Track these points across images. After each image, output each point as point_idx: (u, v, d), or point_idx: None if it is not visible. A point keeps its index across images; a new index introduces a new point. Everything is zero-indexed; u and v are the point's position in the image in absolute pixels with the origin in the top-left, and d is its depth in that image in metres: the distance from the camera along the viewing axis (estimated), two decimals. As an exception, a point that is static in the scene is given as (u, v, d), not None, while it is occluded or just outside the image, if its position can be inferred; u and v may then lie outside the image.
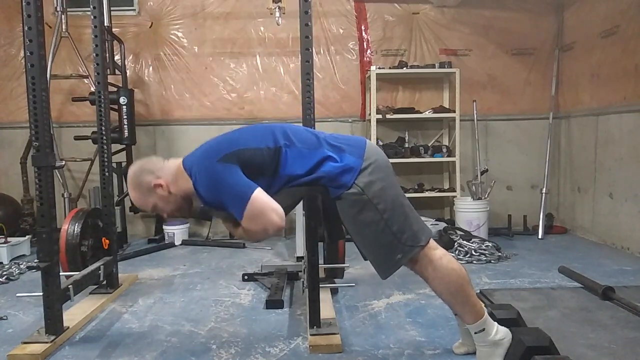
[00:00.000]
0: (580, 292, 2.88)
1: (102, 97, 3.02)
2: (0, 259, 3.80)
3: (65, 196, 4.50)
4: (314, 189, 1.91)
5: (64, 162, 4.49)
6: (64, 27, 4.39)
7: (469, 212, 4.33)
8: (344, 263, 3.00)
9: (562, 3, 4.88)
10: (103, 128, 3.02)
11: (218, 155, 1.79)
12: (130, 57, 4.85)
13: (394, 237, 1.82)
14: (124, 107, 4.37)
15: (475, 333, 1.89)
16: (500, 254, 3.80)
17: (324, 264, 2.89)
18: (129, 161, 4.61)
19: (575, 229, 4.74)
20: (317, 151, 1.86)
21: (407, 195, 1.93)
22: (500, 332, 1.89)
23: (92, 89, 4.48)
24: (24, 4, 2.13)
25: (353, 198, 1.83)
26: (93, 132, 4.19)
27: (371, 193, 1.81)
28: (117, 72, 4.45)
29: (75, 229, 2.90)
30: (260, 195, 1.72)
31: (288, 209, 1.89)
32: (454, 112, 4.69)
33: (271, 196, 1.76)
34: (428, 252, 1.86)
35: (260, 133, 1.90)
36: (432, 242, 1.89)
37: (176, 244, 4.54)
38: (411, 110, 4.81)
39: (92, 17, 2.99)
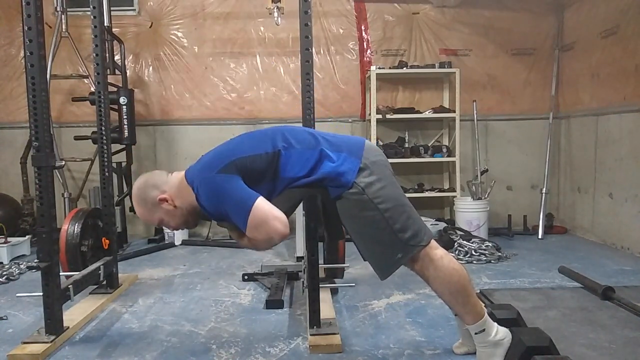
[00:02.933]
0: (580, 292, 2.88)
1: (102, 97, 3.02)
2: (0, 259, 3.80)
3: (65, 196, 4.50)
4: (313, 191, 1.91)
5: (64, 162, 4.49)
6: (64, 27, 4.39)
7: (469, 212, 4.33)
8: (344, 263, 3.00)
9: (562, 3, 4.88)
10: (103, 128, 3.02)
11: (217, 167, 1.79)
12: (130, 57, 4.85)
13: (395, 236, 1.82)
14: (124, 107, 4.36)
15: (476, 334, 1.88)
16: (500, 254, 3.80)
17: (324, 264, 2.89)
18: (129, 161, 4.61)
19: (575, 229, 4.74)
20: (315, 151, 1.86)
21: (407, 195, 1.93)
22: (500, 333, 1.88)
23: (92, 89, 4.48)
24: (23, 4, 2.13)
25: (353, 198, 1.83)
26: (93, 132, 4.19)
27: (371, 193, 1.82)
28: (117, 72, 4.45)
29: (75, 229, 2.90)
30: (261, 204, 1.72)
31: (289, 211, 1.88)
32: (454, 112, 4.69)
33: (274, 200, 1.76)
34: (429, 252, 1.85)
35: (258, 139, 1.90)
36: (433, 242, 1.89)
37: (176, 244, 4.54)
38: (411, 110, 4.81)
39: (92, 17, 2.99)
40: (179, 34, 4.90)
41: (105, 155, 3.04)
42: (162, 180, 1.93)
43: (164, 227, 2.00)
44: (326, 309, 2.50)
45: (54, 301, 2.28)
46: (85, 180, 4.65)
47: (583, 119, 4.59)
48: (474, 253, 3.76)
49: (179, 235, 4.58)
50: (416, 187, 4.90)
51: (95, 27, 2.99)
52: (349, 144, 1.92)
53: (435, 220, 4.53)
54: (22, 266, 3.62)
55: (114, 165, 4.27)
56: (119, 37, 4.57)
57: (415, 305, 2.78)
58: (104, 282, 3.01)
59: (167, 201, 1.89)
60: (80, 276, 2.62)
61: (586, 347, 2.11)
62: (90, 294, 2.94)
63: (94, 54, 2.99)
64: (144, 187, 1.92)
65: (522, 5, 4.94)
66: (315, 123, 2.31)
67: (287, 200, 1.90)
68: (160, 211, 1.91)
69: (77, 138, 4.46)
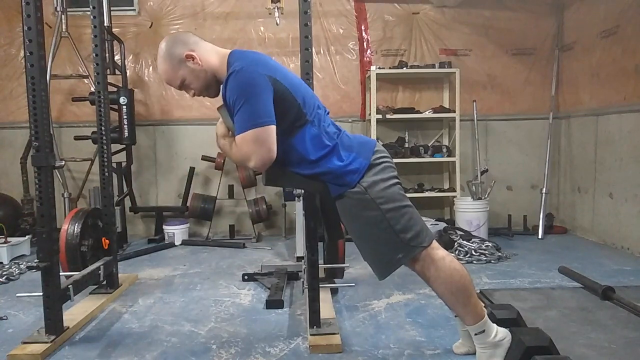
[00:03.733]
0: (580, 292, 2.88)
1: (102, 97, 3.02)
2: (0, 259, 3.80)
3: (65, 196, 4.50)
4: (313, 184, 1.91)
5: (63, 162, 4.46)
6: (64, 27, 4.39)
7: (469, 212, 4.33)
8: (344, 263, 3.00)
9: (562, 3, 4.88)
10: (103, 128, 3.02)
11: (269, 72, 1.75)
12: (130, 57, 4.85)
13: (396, 236, 1.81)
14: (124, 107, 4.37)
15: (475, 334, 1.88)
16: (500, 254, 3.80)
17: (324, 264, 2.89)
18: (129, 161, 4.61)
19: (575, 229, 4.74)
20: (331, 143, 1.86)
21: (407, 195, 1.93)
22: (500, 334, 1.88)
23: (92, 89, 4.48)
24: (23, 4, 2.13)
25: (355, 197, 1.83)
26: (93, 132, 4.20)
27: (374, 193, 1.81)
28: (117, 72, 4.45)
29: (75, 229, 2.90)
30: (271, 131, 1.70)
31: (279, 183, 1.88)
32: (454, 112, 4.69)
33: None
34: (430, 252, 1.85)
35: (308, 95, 1.89)
36: (435, 242, 1.89)
37: (176, 244, 4.54)
38: (411, 110, 4.81)
39: (92, 17, 2.99)
40: (179, 34, 4.89)
41: (105, 155, 3.04)
42: (193, 40, 1.87)
43: (185, 91, 1.92)
44: (326, 309, 2.50)
45: (54, 301, 2.28)
46: (85, 180, 4.65)
47: (583, 119, 4.59)
48: (474, 253, 3.76)
49: (179, 235, 4.58)
50: (416, 187, 4.90)
51: (95, 27, 2.99)
52: (360, 144, 1.91)
53: (435, 220, 4.52)
54: (22, 266, 3.62)
55: (114, 165, 4.27)
56: (119, 37, 4.57)
57: (415, 305, 2.78)
58: (104, 282, 3.01)
59: (193, 59, 1.83)
60: (80, 276, 2.62)
61: (586, 347, 2.12)
62: (90, 294, 2.94)
63: (94, 54, 2.99)
64: (173, 43, 1.86)
65: (522, 5, 4.94)
66: (315, 123, 2.31)
67: (287, 179, 1.91)
68: (185, 69, 1.84)
69: (77, 138, 4.46)
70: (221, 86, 1.84)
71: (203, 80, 1.86)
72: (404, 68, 4.71)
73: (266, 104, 1.71)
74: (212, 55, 1.86)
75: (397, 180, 1.90)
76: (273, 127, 1.71)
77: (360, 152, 1.87)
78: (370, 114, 4.67)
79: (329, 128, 1.90)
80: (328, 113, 1.98)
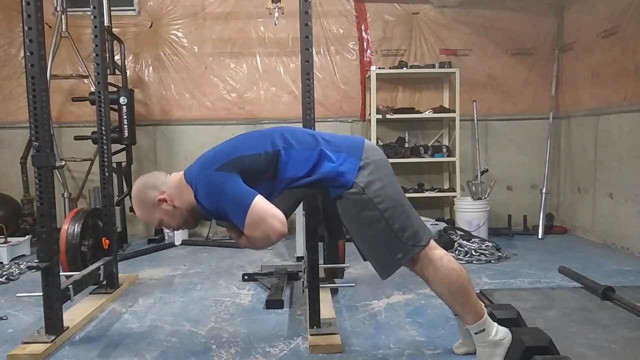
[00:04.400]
0: (580, 292, 2.88)
1: (102, 97, 3.02)
2: (0, 259, 3.80)
3: (65, 196, 4.50)
4: (313, 191, 1.91)
5: (64, 162, 4.49)
6: (64, 27, 4.39)
7: (469, 212, 4.33)
8: (344, 263, 3.00)
9: (562, 3, 4.88)
10: (103, 128, 3.02)
11: (216, 164, 1.79)
12: (130, 57, 4.85)
13: (394, 236, 1.82)
14: (124, 107, 4.37)
15: (475, 333, 1.88)
16: (500, 254, 3.80)
17: (324, 264, 2.89)
18: (129, 161, 4.61)
19: (575, 229, 4.74)
20: (315, 151, 1.86)
21: (407, 195, 1.93)
22: (500, 333, 1.88)
23: (92, 89, 4.48)
24: (24, 4, 2.13)
25: (353, 197, 1.83)
26: (93, 132, 4.19)
27: (371, 192, 1.82)
28: (117, 72, 4.45)
29: (75, 229, 2.90)
30: (260, 202, 1.71)
31: (289, 211, 1.88)
32: (454, 112, 4.69)
33: (274, 199, 1.76)
34: (428, 252, 1.85)
35: (257, 139, 1.91)
36: (433, 242, 1.89)
37: (176, 244, 4.54)
38: (411, 110, 4.81)
39: (92, 17, 2.99)
40: (179, 34, 4.90)
41: (105, 155, 3.04)
42: (161, 180, 1.93)
43: (164, 228, 1.99)
44: (326, 309, 2.50)
45: (54, 301, 2.28)
46: (85, 180, 4.65)
47: (583, 119, 4.59)
48: (474, 253, 3.76)
49: (179, 235, 4.58)
50: (416, 187, 4.90)
51: (95, 27, 2.99)
52: (348, 144, 1.92)
53: (435, 220, 4.53)
54: (22, 266, 3.62)
55: (114, 165, 4.27)
56: (119, 37, 4.57)
57: (415, 305, 2.78)
58: (104, 282, 3.01)
59: (166, 201, 1.89)
60: (80, 276, 2.62)
61: (586, 347, 2.11)
62: (90, 294, 2.94)
63: (94, 54, 2.99)
64: (143, 189, 1.92)
65: (522, 5, 4.94)
66: (315, 123, 2.32)
67: (287, 200, 1.89)
68: (159, 212, 1.91)
69: (77, 138, 4.46)
70: (198, 208, 1.87)
71: (179, 217, 1.93)
72: (404, 68, 4.71)
73: (239, 188, 1.74)
74: (178, 187, 1.90)
75: (393, 179, 1.90)
76: (258, 198, 1.72)
77: (350, 153, 1.87)
78: (370, 114, 4.67)
79: (302, 137, 1.91)
80: (286, 128, 1.97)
